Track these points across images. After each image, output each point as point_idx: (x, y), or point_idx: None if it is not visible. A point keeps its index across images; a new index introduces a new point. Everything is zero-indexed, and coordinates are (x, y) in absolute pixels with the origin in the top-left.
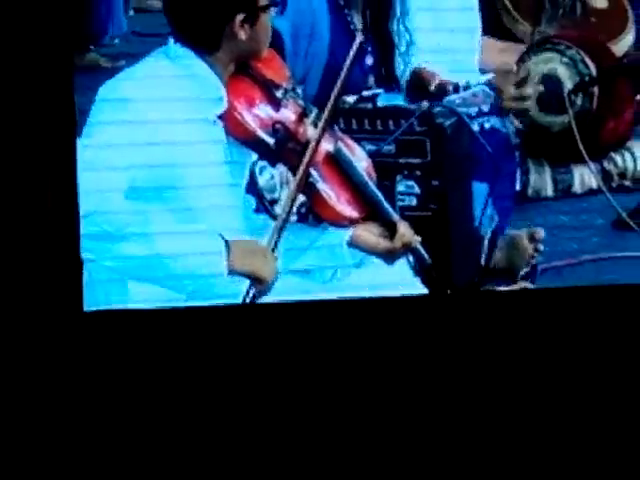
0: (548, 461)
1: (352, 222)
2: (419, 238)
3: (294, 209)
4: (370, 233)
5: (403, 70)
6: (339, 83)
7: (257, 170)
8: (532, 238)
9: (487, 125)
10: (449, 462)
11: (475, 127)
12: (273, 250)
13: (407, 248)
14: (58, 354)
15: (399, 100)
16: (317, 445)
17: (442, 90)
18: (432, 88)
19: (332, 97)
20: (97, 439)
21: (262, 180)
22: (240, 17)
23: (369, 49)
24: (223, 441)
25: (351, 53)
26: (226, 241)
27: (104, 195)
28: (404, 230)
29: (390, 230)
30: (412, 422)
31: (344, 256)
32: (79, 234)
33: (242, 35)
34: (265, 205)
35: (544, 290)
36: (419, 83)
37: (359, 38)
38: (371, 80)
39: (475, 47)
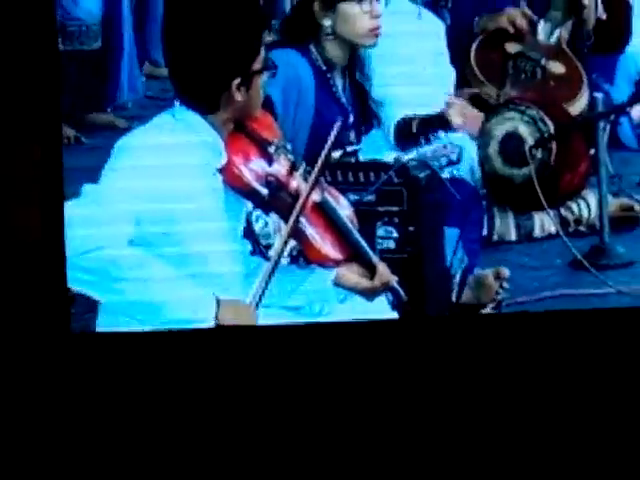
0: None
1: (336, 263)
2: (396, 277)
3: (286, 253)
4: (352, 273)
5: (387, 124)
6: (326, 150)
7: (253, 218)
8: (498, 276)
9: (456, 173)
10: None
11: (445, 175)
12: (257, 305)
13: (385, 286)
14: (44, 374)
15: (382, 150)
16: (302, 455)
17: (425, 126)
18: (414, 128)
19: (320, 161)
20: (82, 456)
21: (257, 227)
22: (236, 82)
23: (350, 109)
24: (207, 461)
25: (335, 127)
26: (217, 300)
27: (109, 235)
28: (383, 270)
29: (370, 270)
30: (389, 429)
31: (330, 294)
32: (66, 258)
33: (238, 97)
34: (261, 249)
35: (505, 315)
36: (404, 130)
37: (339, 121)
38: (352, 135)
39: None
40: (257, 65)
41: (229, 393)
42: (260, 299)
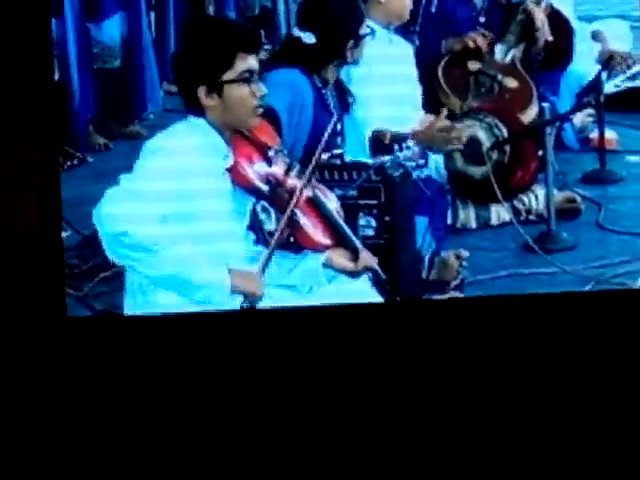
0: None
1: (325, 248)
2: (376, 259)
3: (284, 239)
4: (340, 257)
5: (363, 135)
6: (317, 154)
7: (258, 208)
8: (457, 257)
9: (425, 173)
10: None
11: (416, 175)
12: (263, 271)
13: (367, 268)
14: (42, 358)
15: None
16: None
17: (395, 140)
18: (387, 141)
19: (313, 161)
20: (78, 443)
21: (261, 215)
22: (203, 88)
23: (337, 119)
24: (208, 445)
25: (326, 134)
26: (229, 270)
27: (141, 218)
28: (365, 256)
29: (354, 254)
30: (374, 412)
31: (319, 275)
32: (62, 245)
33: (209, 102)
34: (264, 235)
35: (469, 299)
36: (378, 140)
37: (333, 120)
38: (339, 140)
39: (414, 115)
40: (229, 76)
41: (224, 378)
42: (264, 270)
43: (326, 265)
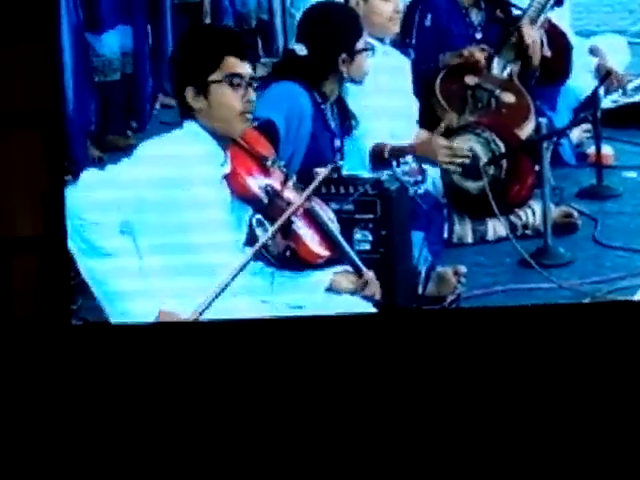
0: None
1: (322, 259)
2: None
3: (279, 252)
4: (346, 280)
5: (362, 148)
6: (316, 182)
7: (254, 222)
8: (456, 273)
9: (422, 189)
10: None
11: (413, 191)
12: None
13: (372, 293)
14: (46, 364)
15: (360, 169)
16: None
17: (394, 154)
18: (386, 154)
19: (310, 188)
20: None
21: (258, 230)
22: (190, 89)
23: (337, 133)
24: (206, 451)
25: (324, 173)
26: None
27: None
28: (372, 281)
29: (358, 274)
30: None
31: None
32: (68, 253)
33: (197, 104)
34: (260, 250)
35: (466, 310)
36: (377, 154)
37: (329, 168)
38: (338, 157)
39: (411, 129)
40: (215, 77)
41: (223, 384)
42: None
43: (331, 289)
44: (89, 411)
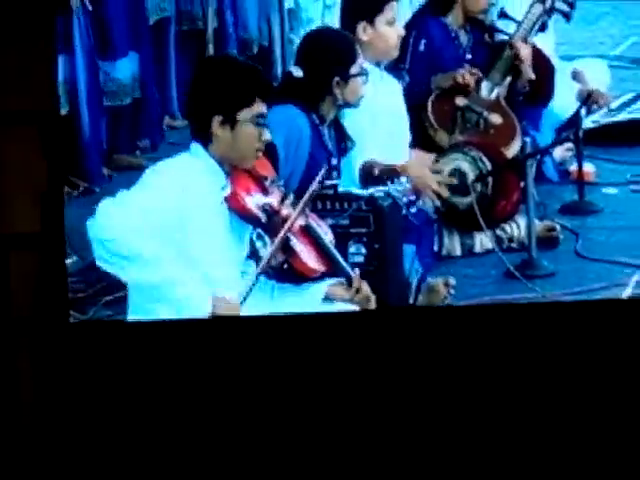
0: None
1: (317, 274)
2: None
3: (276, 264)
4: (340, 289)
5: (352, 166)
6: (310, 190)
7: (254, 236)
8: (446, 284)
9: (414, 207)
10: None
11: (406, 210)
12: (244, 300)
13: (366, 297)
14: (44, 362)
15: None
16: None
17: (385, 173)
18: (376, 173)
19: (307, 196)
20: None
21: (257, 243)
22: (218, 118)
23: (334, 153)
24: (206, 451)
25: (319, 176)
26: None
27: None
28: (365, 288)
29: (349, 282)
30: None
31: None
32: (65, 248)
33: (219, 132)
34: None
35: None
36: (366, 171)
37: (324, 168)
38: (335, 174)
39: (404, 150)
40: (246, 115)
41: (222, 383)
42: (245, 299)
43: (327, 299)
44: (89, 411)
